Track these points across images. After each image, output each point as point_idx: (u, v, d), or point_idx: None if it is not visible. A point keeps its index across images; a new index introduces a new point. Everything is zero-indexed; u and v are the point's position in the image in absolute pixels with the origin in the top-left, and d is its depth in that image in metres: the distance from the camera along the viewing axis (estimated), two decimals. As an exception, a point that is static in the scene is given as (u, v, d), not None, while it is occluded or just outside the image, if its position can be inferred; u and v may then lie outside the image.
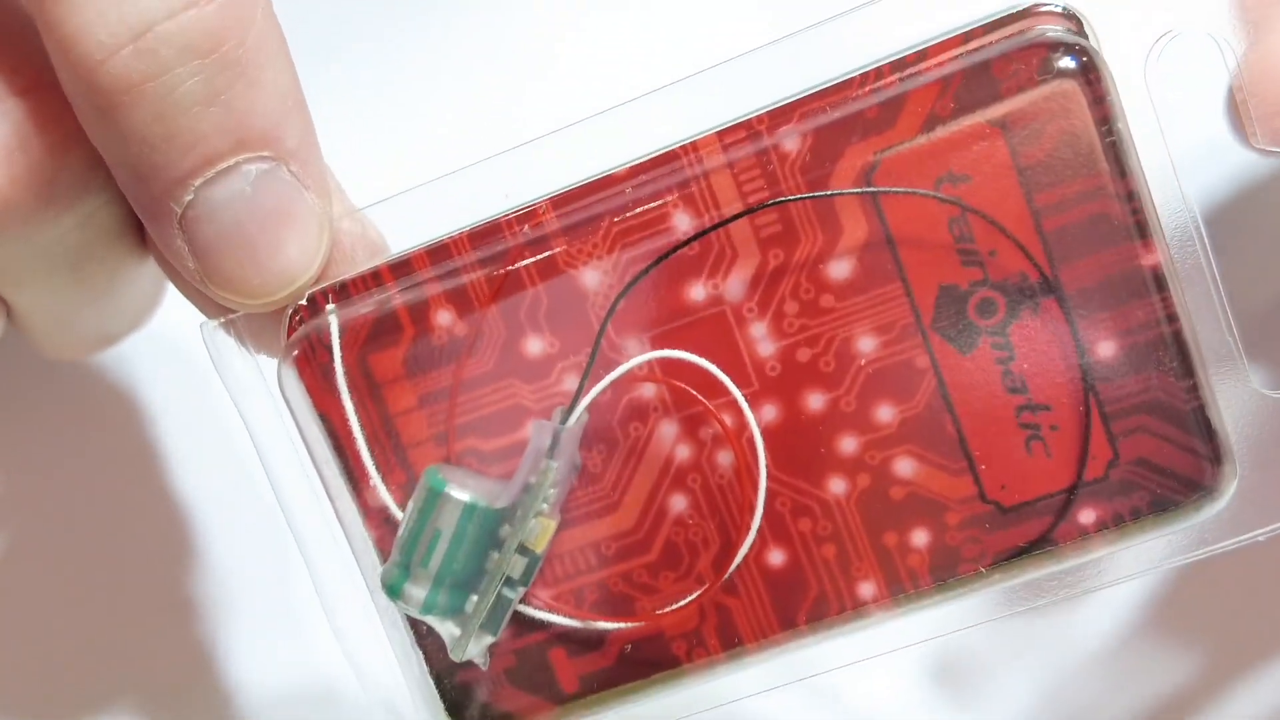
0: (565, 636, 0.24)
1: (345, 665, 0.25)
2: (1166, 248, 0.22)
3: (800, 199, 0.22)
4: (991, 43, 0.22)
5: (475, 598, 0.23)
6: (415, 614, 0.23)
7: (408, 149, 0.30)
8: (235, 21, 0.21)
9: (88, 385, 0.33)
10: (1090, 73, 0.21)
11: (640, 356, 0.23)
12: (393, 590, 0.23)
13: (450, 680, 0.24)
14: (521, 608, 0.24)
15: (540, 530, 0.22)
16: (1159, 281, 0.22)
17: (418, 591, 0.23)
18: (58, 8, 0.20)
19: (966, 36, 0.22)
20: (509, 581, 0.23)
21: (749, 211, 0.22)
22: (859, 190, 0.22)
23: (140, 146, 0.21)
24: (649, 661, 0.24)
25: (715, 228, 0.22)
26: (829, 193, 0.22)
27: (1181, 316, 0.22)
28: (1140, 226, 0.22)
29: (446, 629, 0.23)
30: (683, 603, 0.23)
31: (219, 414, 0.31)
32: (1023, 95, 0.21)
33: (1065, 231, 0.22)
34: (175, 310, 0.25)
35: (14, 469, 0.33)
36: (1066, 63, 0.21)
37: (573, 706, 0.24)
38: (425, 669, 0.24)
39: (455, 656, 0.23)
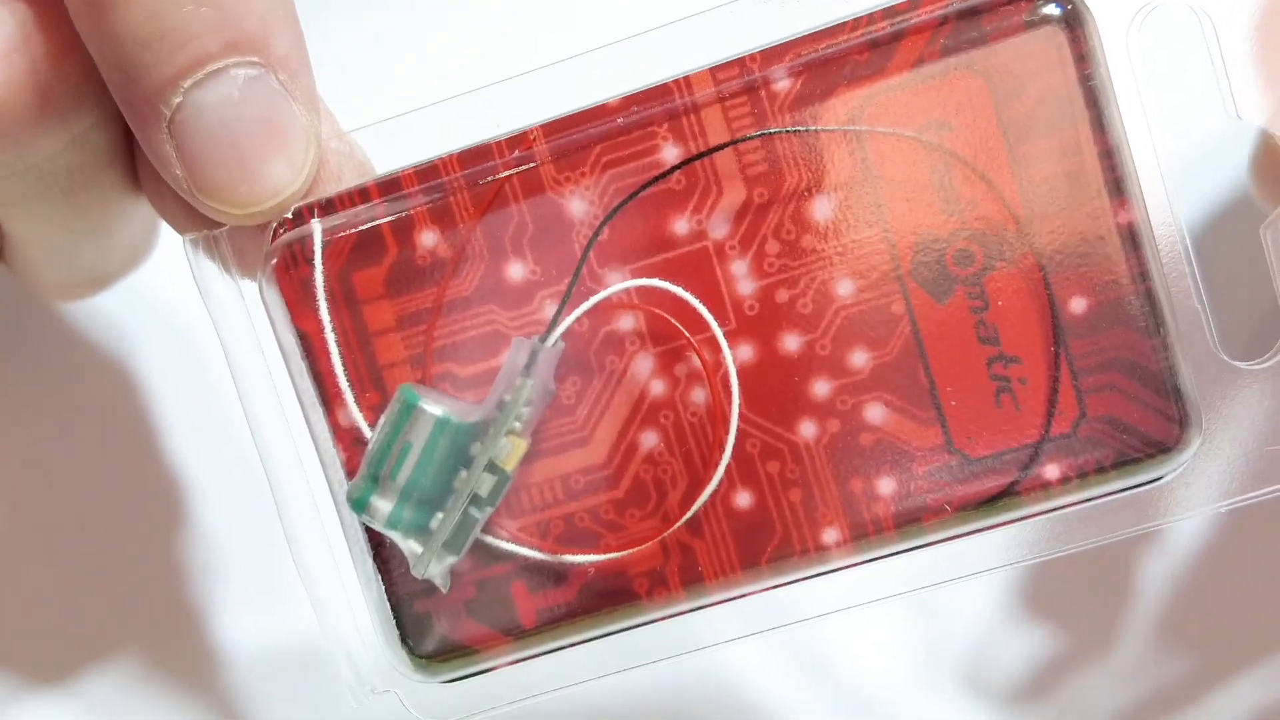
0: (527, 569, 0.24)
1: (306, 592, 0.24)
2: (1143, 208, 0.22)
3: (783, 131, 0.22)
4: (969, 5, 0.22)
5: (441, 515, 0.23)
6: (380, 527, 0.23)
7: (401, 75, 0.30)
8: None
9: (74, 347, 0.33)
10: (1075, 25, 0.22)
11: (622, 283, 0.23)
12: (359, 503, 0.23)
13: (409, 607, 0.24)
14: (485, 537, 0.24)
15: (511, 449, 0.22)
16: (1134, 240, 0.22)
17: (384, 504, 0.22)
18: None
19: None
20: (476, 500, 0.23)
21: (733, 142, 0.22)
22: (843, 128, 0.22)
23: (132, 44, 0.21)
24: (609, 598, 0.24)
25: (698, 157, 0.23)
26: (813, 128, 0.22)
27: (1154, 277, 0.22)
28: (1117, 184, 0.22)
29: (409, 546, 0.23)
30: (645, 546, 0.23)
31: (208, 377, 0.31)
32: (1008, 43, 0.22)
33: (1044, 184, 0.22)
34: (164, 273, 0.26)
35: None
36: (1052, 10, 0.22)
37: (530, 640, 0.24)
38: (384, 594, 0.24)
39: (416, 573, 0.23)
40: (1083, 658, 0.32)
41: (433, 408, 0.22)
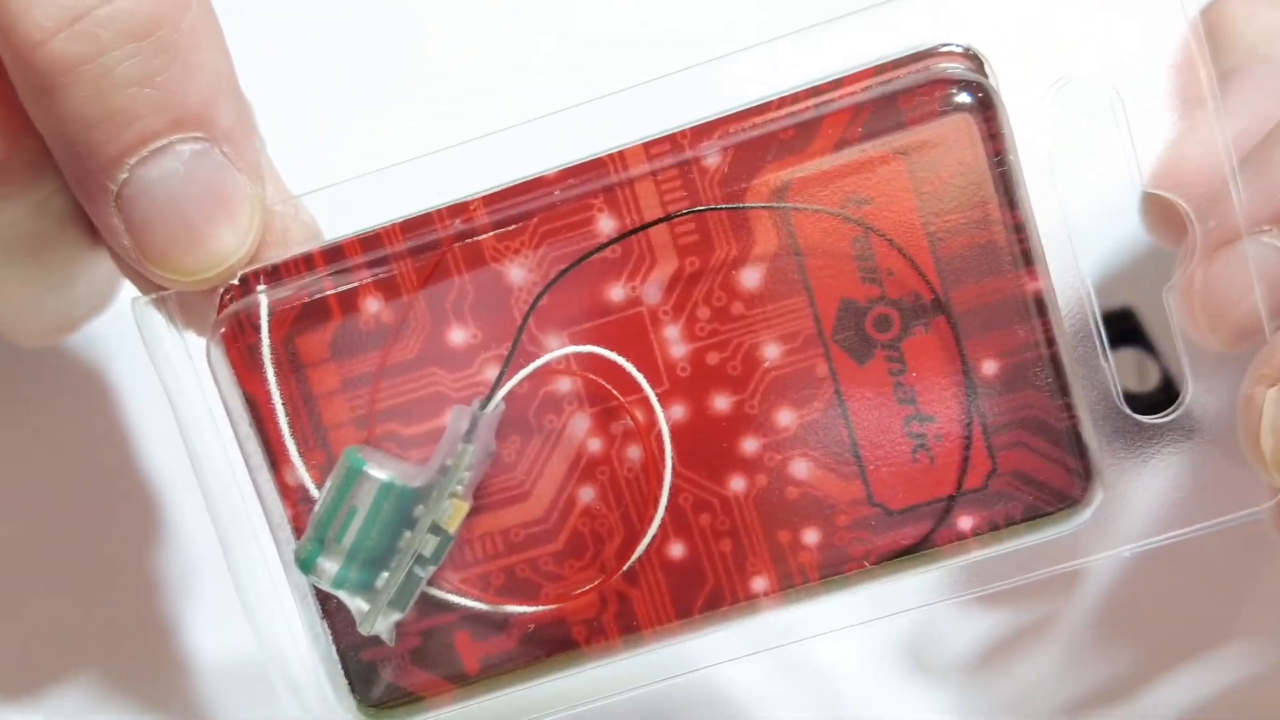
0: (470, 620, 0.25)
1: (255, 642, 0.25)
2: (1049, 278, 0.24)
3: (715, 209, 0.24)
4: (899, 76, 0.23)
5: (386, 574, 0.24)
6: (326, 587, 0.24)
7: (345, 142, 0.31)
8: (172, 6, 0.22)
9: (46, 364, 0.33)
10: (987, 109, 0.23)
11: (559, 350, 0.24)
12: (306, 564, 0.24)
13: (356, 657, 0.25)
14: (430, 589, 0.25)
15: (453, 511, 0.23)
16: (1040, 307, 0.24)
17: (330, 566, 0.23)
18: None
19: (878, 70, 0.23)
20: (420, 560, 0.24)
21: (668, 218, 0.24)
22: (771, 205, 0.24)
23: (77, 125, 0.22)
24: (550, 646, 0.25)
25: (635, 231, 0.24)
26: (743, 205, 0.24)
27: (1059, 341, 0.24)
28: (1025, 255, 0.24)
29: (355, 604, 0.24)
30: (583, 590, 0.25)
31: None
32: (924, 126, 0.23)
33: (957, 256, 0.24)
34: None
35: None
36: (964, 98, 0.23)
37: (474, 688, 0.25)
38: (332, 646, 0.25)
39: (363, 630, 0.24)
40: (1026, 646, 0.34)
41: (377, 473, 0.23)
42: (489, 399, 0.24)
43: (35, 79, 0.21)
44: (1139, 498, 0.25)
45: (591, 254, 0.24)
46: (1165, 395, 0.25)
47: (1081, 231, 0.24)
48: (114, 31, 0.21)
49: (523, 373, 0.24)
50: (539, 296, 0.24)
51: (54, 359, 0.33)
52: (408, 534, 0.23)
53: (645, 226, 0.24)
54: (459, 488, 0.23)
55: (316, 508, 0.24)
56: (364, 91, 0.32)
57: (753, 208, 0.24)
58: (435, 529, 0.23)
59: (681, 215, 0.24)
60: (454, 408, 0.24)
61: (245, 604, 0.25)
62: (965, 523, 0.25)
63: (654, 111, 0.24)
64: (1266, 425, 0.23)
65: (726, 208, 0.24)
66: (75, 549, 0.33)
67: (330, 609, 0.25)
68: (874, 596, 0.25)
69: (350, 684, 0.25)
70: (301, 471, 0.24)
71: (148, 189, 0.22)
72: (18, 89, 0.22)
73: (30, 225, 0.24)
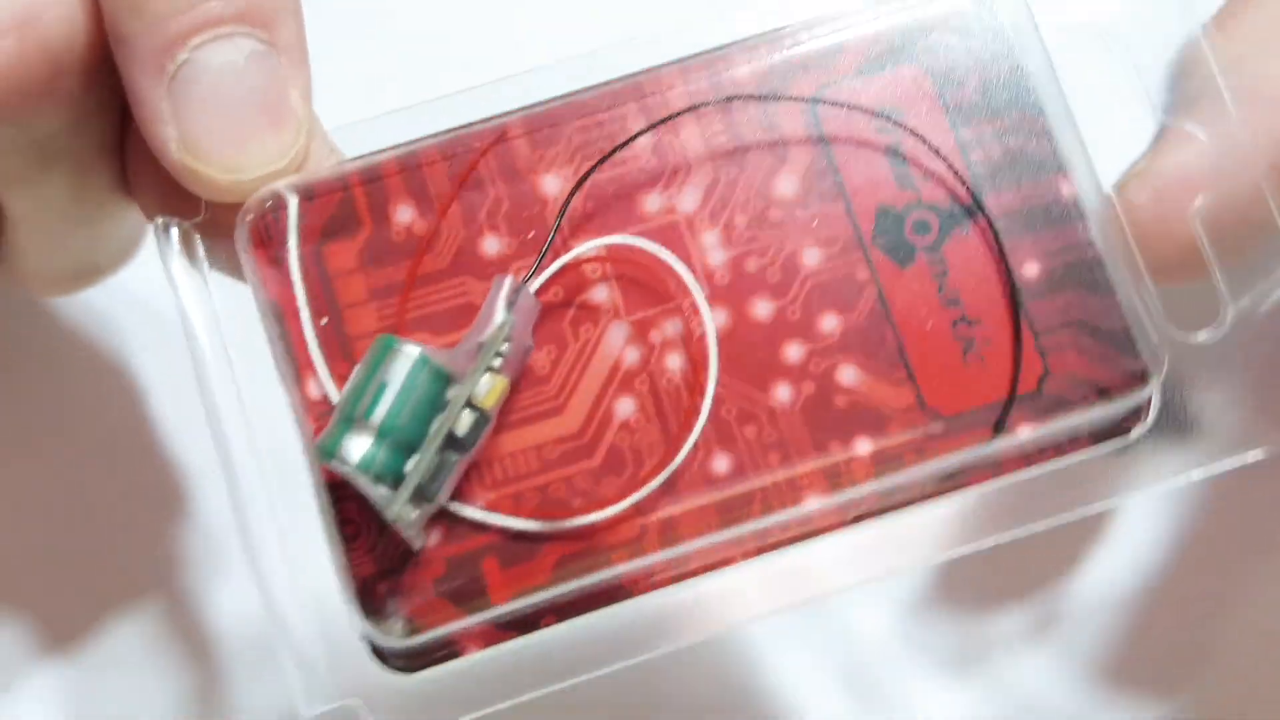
0: (500, 545, 0.23)
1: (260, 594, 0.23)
2: (1082, 179, 0.24)
3: (744, 98, 0.24)
4: (915, 3, 0.25)
5: (417, 456, 0.22)
6: (351, 470, 0.22)
7: (380, 78, 0.31)
8: None
9: (65, 338, 0.32)
10: (1009, 26, 0.24)
11: (602, 239, 0.23)
12: (329, 447, 0.22)
13: (374, 590, 0.23)
14: (457, 508, 0.23)
15: (493, 387, 0.22)
16: (1076, 209, 0.24)
17: (357, 443, 0.22)
18: None
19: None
20: (454, 442, 0.22)
21: (694, 107, 0.24)
22: (802, 99, 0.24)
23: None
24: (585, 570, 0.23)
25: (663, 121, 0.24)
26: (773, 96, 0.24)
27: (1098, 241, 0.24)
28: (1057, 161, 0.24)
29: (380, 492, 0.22)
30: (622, 505, 0.23)
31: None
32: (951, 42, 0.24)
33: (990, 161, 0.24)
34: (150, 264, 0.26)
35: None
36: (987, 17, 0.24)
37: (502, 619, 0.23)
38: (350, 577, 0.23)
39: (389, 515, 0.22)
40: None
41: (411, 347, 0.22)
42: (529, 278, 0.23)
43: None
44: (1201, 413, 0.24)
45: (623, 145, 0.24)
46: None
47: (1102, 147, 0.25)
48: None
49: (568, 255, 0.23)
50: (575, 187, 0.24)
51: (69, 333, 0.32)
52: (440, 417, 0.22)
53: (674, 116, 0.24)
54: (497, 361, 0.22)
55: (343, 391, 0.22)
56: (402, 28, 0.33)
57: (783, 100, 0.24)
58: (471, 405, 0.22)
59: (710, 104, 0.24)
60: (495, 278, 0.23)
61: (250, 550, 0.23)
62: (1024, 427, 0.23)
63: (682, 44, 0.25)
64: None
65: (755, 97, 0.24)
66: (94, 521, 0.32)
67: (349, 534, 0.23)
68: (930, 516, 0.24)
69: (370, 618, 0.22)
70: (325, 377, 0.23)
71: (205, 74, 0.22)
72: None
73: (70, 143, 0.23)
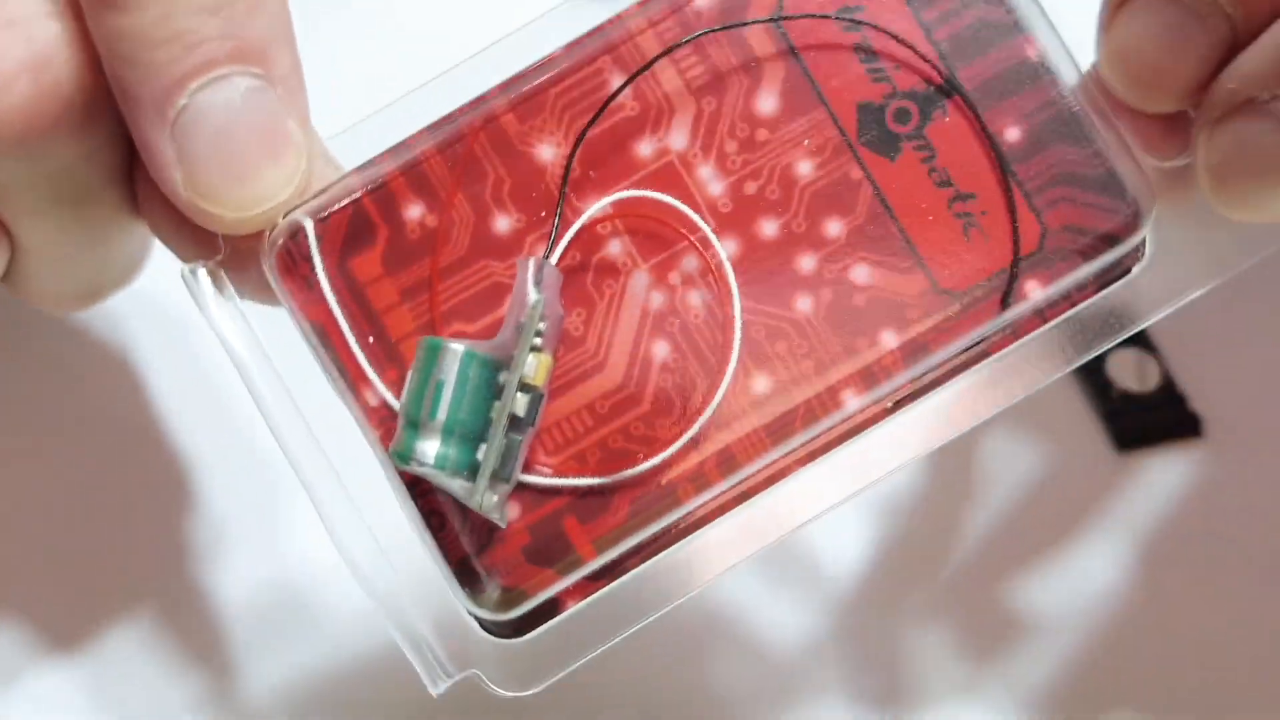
0: (575, 504, 0.24)
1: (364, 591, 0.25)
2: (1044, 38, 0.25)
3: (711, 30, 0.25)
4: None
5: (485, 445, 0.23)
6: (428, 471, 0.23)
7: (355, 81, 0.32)
8: None
9: (75, 336, 0.33)
10: None
11: (610, 197, 0.24)
12: (403, 453, 0.23)
13: (470, 568, 0.24)
14: (530, 478, 0.24)
15: (539, 364, 0.23)
16: (1044, 67, 0.25)
17: (428, 445, 0.23)
18: None
19: None
20: (516, 423, 0.23)
21: (668, 51, 0.25)
22: (765, 20, 0.25)
23: (144, 43, 0.22)
24: (658, 509, 0.24)
25: (640, 71, 0.25)
26: (737, 24, 0.25)
27: (1069, 95, 0.25)
28: (1019, 24, 0.25)
29: (459, 484, 0.23)
30: (678, 444, 0.24)
31: (198, 361, 0.32)
32: None
33: (954, 37, 0.25)
34: (156, 264, 0.27)
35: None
36: None
37: (594, 571, 0.24)
38: (445, 562, 0.24)
39: (474, 504, 0.23)
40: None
41: (456, 344, 0.23)
42: (549, 252, 0.24)
43: None
44: (1190, 235, 0.25)
45: (610, 100, 0.25)
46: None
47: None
48: None
49: (579, 221, 0.24)
50: (573, 151, 0.24)
51: (85, 330, 0.34)
52: (498, 402, 0.23)
53: (648, 65, 0.25)
54: (538, 340, 0.23)
55: (403, 398, 0.23)
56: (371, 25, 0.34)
57: (747, 24, 0.25)
58: (525, 386, 0.23)
59: (682, 45, 0.25)
60: (518, 261, 0.24)
61: (345, 555, 0.25)
62: (1032, 286, 0.25)
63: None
64: (1200, 165, 0.24)
65: (722, 28, 0.25)
66: (106, 514, 0.34)
67: (435, 525, 0.24)
68: (966, 390, 0.25)
69: (470, 595, 0.24)
70: (380, 386, 0.24)
71: (205, 117, 0.23)
72: (85, 9, 0.23)
73: (80, 174, 0.24)
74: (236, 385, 0.25)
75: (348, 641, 0.25)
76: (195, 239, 0.25)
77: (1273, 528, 0.35)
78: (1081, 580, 0.34)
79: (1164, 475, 0.35)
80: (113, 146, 0.25)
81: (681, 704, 0.32)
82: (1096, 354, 0.25)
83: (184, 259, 0.25)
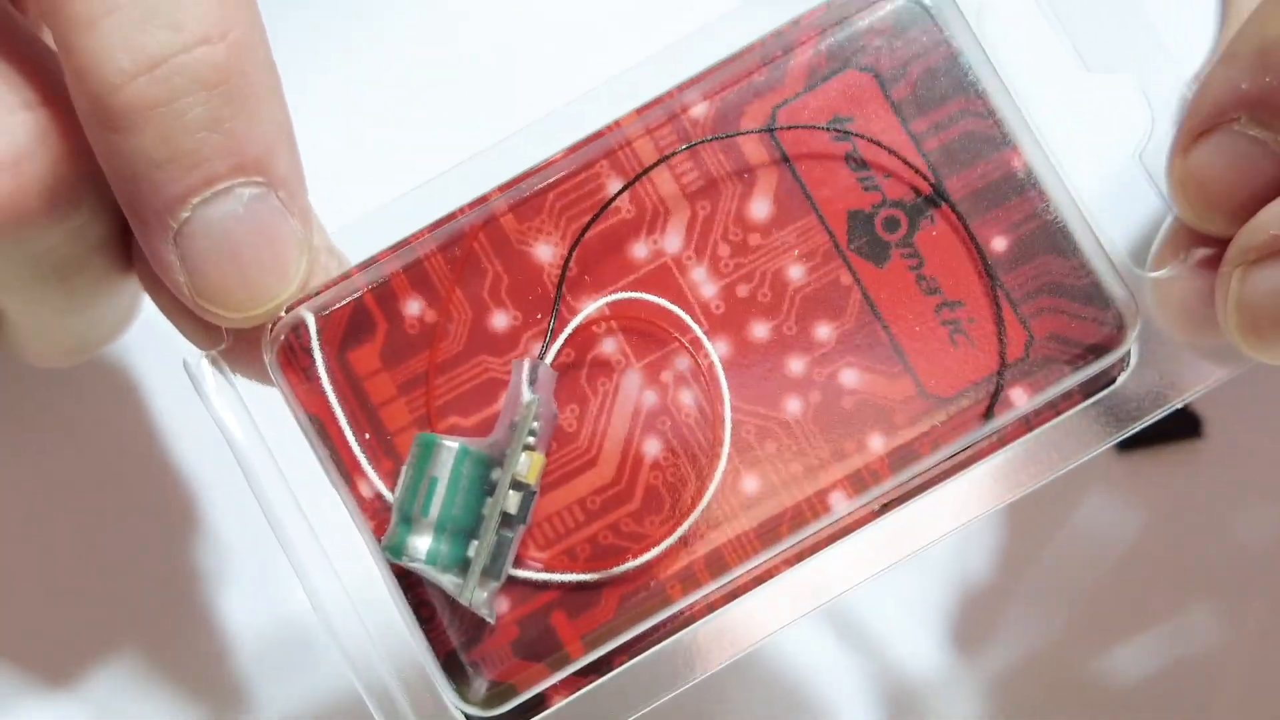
0: (565, 599, 0.25)
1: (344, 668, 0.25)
2: (1029, 150, 0.26)
3: (707, 140, 0.25)
4: (854, 7, 0.26)
5: (476, 542, 0.24)
6: (420, 566, 0.23)
7: (366, 168, 0.33)
8: (241, 59, 0.23)
9: (79, 370, 0.34)
10: (937, 17, 0.26)
11: (605, 298, 0.25)
12: (396, 548, 0.24)
13: (458, 661, 0.25)
14: (520, 573, 0.25)
15: (531, 463, 0.24)
16: (1031, 180, 0.26)
17: (420, 542, 0.23)
18: (83, 36, 0.22)
19: (828, 5, 0.26)
20: (507, 520, 0.24)
21: (665, 159, 0.25)
22: (759, 130, 0.25)
23: (145, 164, 0.23)
24: (646, 607, 0.25)
25: (638, 177, 0.25)
26: (730, 134, 0.25)
27: (1054, 206, 0.26)
28: (1003, 136, 0.26)
29: (450, 580, 0.24)
30: (667, 542, 0.25)
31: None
32: (881, 39, 0.26)
33: (943, 148, 0.26)
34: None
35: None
36: (915, 11, 0.26)
37: (579, 667, 0.25)
38: (432, 654, 0.25)
39: (463, 599, 0.24)
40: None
41: (451, 442, 0.24)
42: (544, 353, 0.25)
43: (109, 118, 0.23)
44: (1173, 348, 0.26)
45: (608, 204, 0.25)
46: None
47: (1040, 119, 0.26)
48: (188, 78, 0.23)
49: (575, 321, 0.25)
50: (570, 252, 0.25)
51: (91, 363, 0.34)
52: (490, 501, 0.24)
53: (646, 171, 0.25)
54: (531, 439, 0.24)
55: (397, 492, 0.24)
56: (371, 120, 0.35)
57: (742, 134, 0.25)
58: (516, 484, 0.24)
59: (678, 153, 0.25)
60: (514, 363, 0.24)
61: (335, 638, 0.25)
62: (1019, 393, 0.25)
63: (638, 88, 0.26)
64: (1231, 302, 0.25)
65: (716, 138, 0.25)
66: (106, 539, 0.34)
67: (424, 616, 0.25)
68: (947, 493, 0.26)
69: (457, 689, 0.25)
70: (375, 479, 0.25)
71: (207, 228, 0.24)
72: (85, 124, 0.23)
73: (66, 250, 0.25)
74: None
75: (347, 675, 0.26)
76: (197, 322, 0.25)
77: (1272, 528, 0.35)
78: (1081, 580, 0.34)
79: (1164, 475, 0.36)
80: (98, 220, 0.25)
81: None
82: (1084, 460, 0.26)
83: (189, 338, 0.26)
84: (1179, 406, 0.26)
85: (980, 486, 0.26)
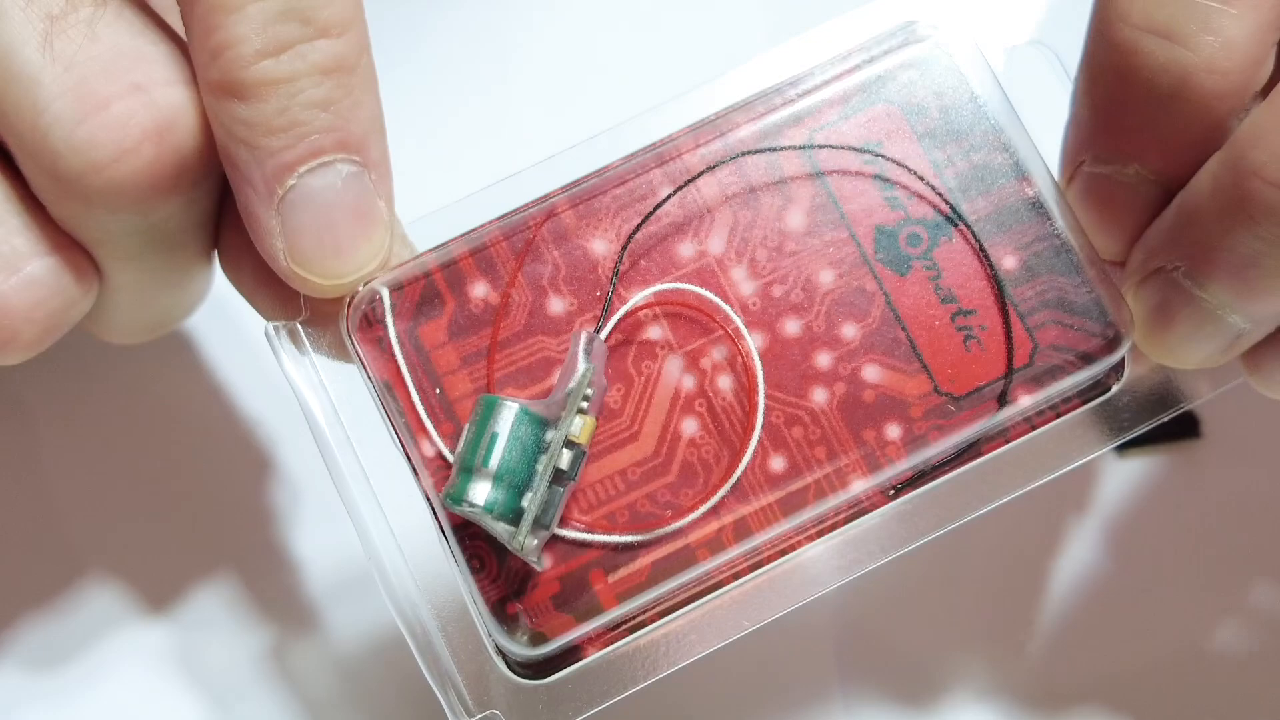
0: (603, 559, 0.27)
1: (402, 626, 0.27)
2: (1040, 180, 0.29)
3: (750, 152, 0.28)
4: (881, 48, 0.29)
5: (530, 494, 0.26)
6: (478, 513, 0.26)
7: (440, 168, 0.35)
8: (353, 54, 0.26)
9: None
10: (958, 60, 0.29)
11: (656, 286, 0.28)
12: (456, 496, 0.26)
13: (503, 612, 0.27)
14: (564, 532, 0.27)
15: (584, 425, 0.26)
16: (1039, 206, 0.28)
17: (479, 490, 0.26)
18: (227, 16, 0.25)
19: (861, 49, 0.29)
20: (558, 475, 0.26)
21: (711, 168, 0.28)
22: (798, 146, 0.28)
23: (263, 131, 0.26)
24: (676, 568, 0.27)
25: (689, 182, 0.28)
26: (772, 147, 0.28)
27: (1062, 231, 0.28)
28: (1017, 166, 0.29)
29: (503, 528, 0.26)
30: (700, 510, 0.27)
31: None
32: (908, 79, 0.29)
33: (961, 176, 0.29)
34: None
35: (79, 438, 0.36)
36: (939, 54, 0.29)
37: (613, 620, 0.27)
38: (482, 603, 0.27)
39: (514, 546, 0.26)
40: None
41: (512, 402, 0.26)
42: (600, 328, 0.27)
43: (237, 89, 0.25)
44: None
45: (657, 208, 0.28)
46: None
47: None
48: (309, 63, 0.26)
49: (627, 305, 0.27)
50: (624, 247, 0.28)
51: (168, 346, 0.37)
52: (544, 458, 0.26)
53: (693, 179, 0.28)
54: (584, 404, 0.26)
55: (459, 447, 0.26)
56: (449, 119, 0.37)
57: (782, 149, 0.28)
58: (569, 444, 0.26)
59: (723, 163, 0.28)
60: (573, 333, 0.27)
61: (390, 596, 0.27)
62: (1024, 395, 0.28)
63: (690, 112, 0.29)
64: (1137, 318, 0.28)
65: (759, 150, 0.28)
66: (196, 486, 0.36)
67: (475, 567, 0.27)
68: (955, 484, 0.28)
69: (505, 632, 0.27)
70: (437, 438, 0.27)
71: (308, 197, 0.26)
72: (211, 95, 0.26)
73: (176, 222, 0.27)
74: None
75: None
76: (274, 298, 0.28)
77: (1270, 528, 0.36)
78: (1080, 580, 0.36)
79: (1163, 476, 0.37)
80: (206, 198, 0.28)
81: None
82: (1077, 465, 0.28)
83: (263, 314, 0.28)
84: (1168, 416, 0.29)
85: (983, 484, 0.28)
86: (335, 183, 0.26)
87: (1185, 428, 0.37)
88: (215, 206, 0.28)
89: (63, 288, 0.28)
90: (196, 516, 0.36)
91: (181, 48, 0.27)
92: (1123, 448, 0.37)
